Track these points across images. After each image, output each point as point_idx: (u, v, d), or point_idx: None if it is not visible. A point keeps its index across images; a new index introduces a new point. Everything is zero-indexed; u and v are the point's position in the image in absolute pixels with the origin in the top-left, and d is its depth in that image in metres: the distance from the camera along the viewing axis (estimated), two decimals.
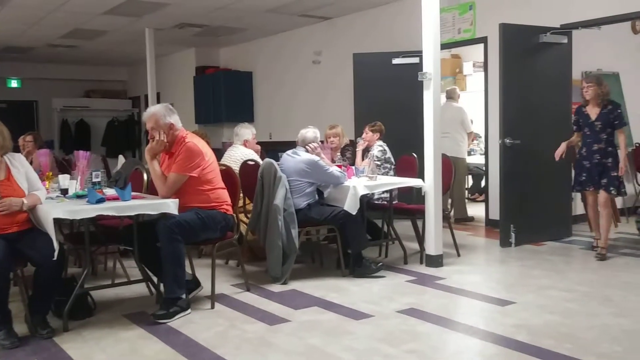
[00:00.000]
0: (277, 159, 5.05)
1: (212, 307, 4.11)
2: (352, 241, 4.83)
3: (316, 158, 4.88)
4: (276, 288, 4.58)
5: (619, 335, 3.46)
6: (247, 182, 4.98)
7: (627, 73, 7.52)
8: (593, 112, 5.39)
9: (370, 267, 4.84)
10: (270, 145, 8.79)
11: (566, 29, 6.15)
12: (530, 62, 6.02)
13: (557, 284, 4.59)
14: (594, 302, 4.12)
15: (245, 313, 4.01)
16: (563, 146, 5.57)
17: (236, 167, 5.20)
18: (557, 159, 5.58)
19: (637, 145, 7.47)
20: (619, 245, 6.01)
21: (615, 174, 5.32)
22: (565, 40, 6.18)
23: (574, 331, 3.54)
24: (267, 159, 4.91)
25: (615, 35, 6.99)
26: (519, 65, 5.95)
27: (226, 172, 4.51)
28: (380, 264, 4.92)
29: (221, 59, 11.65)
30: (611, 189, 5.34)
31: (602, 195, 5.38)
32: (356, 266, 4.84)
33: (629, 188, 7.64)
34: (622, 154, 5.36)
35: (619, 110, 5.36)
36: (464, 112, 7.67)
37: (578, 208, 6.86)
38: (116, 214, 3.78)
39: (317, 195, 4.98)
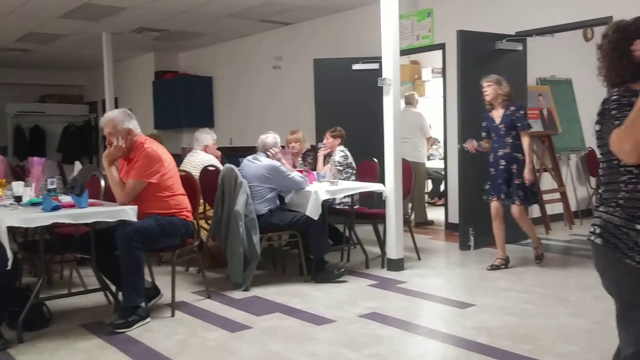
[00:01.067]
0: (237, 164, 5.02)
1: (173, 315, 4.05)
2: (314, 246, 4.83)
3: (277, 163, 4.87)
4: (237, 295, 4.55)
5: (575, 335, 3.55)
6: (208, 188, 4.94)
7: (579, 79, 7.74)
8: (497, 115, 5.13)
9: (333, 273, 4.84)
10: (231, 151, 8.73)
11: (521, 36, 6.31)
12: (487, 68, 6.12)
13: (515, 285, 4.68)
14: (551, 303, 4.21)
15: (206, 320, 3.96)
16: (474, 142, 5.27)
17: (196, 173, 5.15)
18: (470, 149, 5.27)
19: (590, 149, 7.70)
20: (573, 247, 6.17)
21: (519, 182, 5.02)
22: (520, 47, 6.33)
23: (531, 332, 3.62)
24: (227, 165, 4.87)
25: (568, 43, 7.19)
26: (477, 71, 6.04)
27: (186, 178, 4.46)
28: (343, 269, 4.93)
29: (180, 63, 11.52)
30: (515, 199, 5.06)
31: (513, 208, 5.12)
32: (318, 271, 4.84)
33: (582, 191, 7.87)
34: (527, 159, 5.00)
35: (522, 112, 5.06)
36: (423, 117, 7.78)
37: (534, 211, 7.02)
38: (72, 222, 3.70)
39: (278, 201, 4.97)
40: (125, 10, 7.79)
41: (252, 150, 5.24)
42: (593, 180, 7.82)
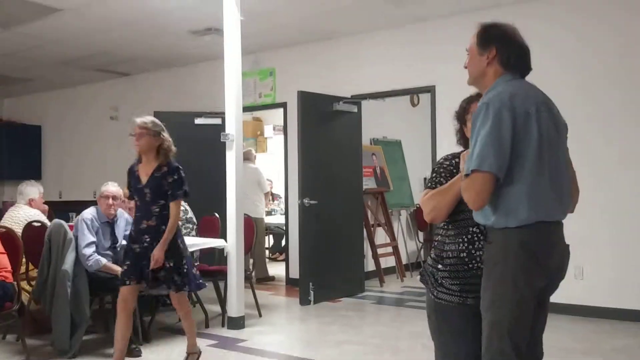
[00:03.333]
0: (67, 219, 4.67)
1: None
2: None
3: (87, 217, 4.46)
4: None
5: None
6: (32, 245, 4.52)
7: (407, 141, 8.37)
8: (145, 173, 3.85)
9: (129, 347, 4.15)
10: (60, 205, 8.13)
11: (356, 100, 6.71)
12: (325, 128, 6.43)
13: (353, 338, 4.80)
14: (386, 354, 4.37)
15: None
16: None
17: (19, 229, 4.71)
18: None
19: (418, 206, 8.26)
20: (405, 298, 6.51)
21: (171, 264, 3.75)
22: (355, 110, 6.72)
23: None
24: (56, 220, 4.51)
25: (397, 107, 7.79)
26: (316, 130, 6.31)
27: (6, 235, 4.06)
28: (138, 348, 4.32)
29: (4, 110, 10.66)
30: (170, 285, 3.79)
31: (172, 296, 3.91)
32: None
33: (412, 245, 8.38)
34: (165, 235, 3.72)
35: (177, 176, 3.81)
36: (260, 172, 7.87)
37: (369, 264, 7.34)
38: None
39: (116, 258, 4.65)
40: None
41: (84, 204, 4.93)
42: (422, 234, 8.39)
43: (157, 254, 3.69)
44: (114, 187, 4.65)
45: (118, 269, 4.22)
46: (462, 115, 2.35)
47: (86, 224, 4.44)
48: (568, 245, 2.17)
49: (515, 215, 2.00)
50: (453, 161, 2.29)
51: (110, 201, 4.55)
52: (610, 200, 5.30)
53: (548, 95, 2.18)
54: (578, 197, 2.26)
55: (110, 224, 4.63)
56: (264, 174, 7.92)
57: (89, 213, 4.52)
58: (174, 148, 3.91)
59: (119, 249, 4.59)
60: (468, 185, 1.99)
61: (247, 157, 7.89)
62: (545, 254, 2.03)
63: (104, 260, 4.39)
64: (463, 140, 2.36)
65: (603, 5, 5.35)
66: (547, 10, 5.57)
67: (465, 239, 2.18)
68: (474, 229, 2.18)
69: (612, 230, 5.30)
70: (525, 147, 1.99)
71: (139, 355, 4.28)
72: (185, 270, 3.83)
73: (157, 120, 3.91)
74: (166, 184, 3.79)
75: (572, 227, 5.58)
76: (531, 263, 2.00)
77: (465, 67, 2.24)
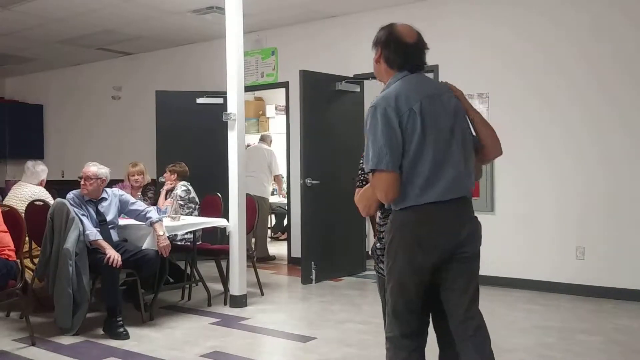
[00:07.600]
0: None
1: None
2: (107, 292, 4.40)
3: (69, 197, 4.52)
4: (66, 340, 4.18)
5: None
6: (35, 224, 4.54)
7: None
8: None
9: (117, 331, 4.28)
10: (63, 184, 8.14)
11: (359, 79, 6.67)
12: (328, 107, 6.41)
13: (354, 317, 4.83)
14: None
15: None
16: None
17: (23, 207, 4.72)
18: None
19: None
20: None
21: None
22: (358, 89, 6.68)
23: None
24: (58, 199, 4.52)
25: None
26: (318, 109, 6.29)
27: (9, 214, 4.08)
28: (125, 332, 4.27)
29: (7, 89, 10.64)
30: None
31: None
32: (107, 322, 4.35)
33: None
34: None
35: None
36: (273, 154, 7.93)
37: (371, 244, 7.34)
38: None
39: (117, 237, 4.67)
40: None
41: None
42: None
43: None
44: (92, 167, 4.63)
45: (108, 247, 4.35)
46: None
47: (69, 202, 4.48)
48: (474, 218, 2.30)
49: (397, 200, 2.20)
50: None
51: (83, 181, 4.59)
52: (610, 181, 5.28)
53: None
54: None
55: (93, 202, 4.64)
56: (277, 156, 7.93)
57: (71, 193, 4.61)
58: None
59: (110, 226, 4.62)
60: (376, 184, 2.20)
61: (263, 139, 8.14)
62: (427, 234, 2.19)
63: (99, 236, 4.41)
64: None
65: None
66: None
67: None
68: None
69: (612, 211, 5.29)
70: (409, 142, 2.17)
71: (127, 338, 4.22)
72: None
73: None
74: None
75: (573, 208, 5.57)
76: (410, 242, 2.20)
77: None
